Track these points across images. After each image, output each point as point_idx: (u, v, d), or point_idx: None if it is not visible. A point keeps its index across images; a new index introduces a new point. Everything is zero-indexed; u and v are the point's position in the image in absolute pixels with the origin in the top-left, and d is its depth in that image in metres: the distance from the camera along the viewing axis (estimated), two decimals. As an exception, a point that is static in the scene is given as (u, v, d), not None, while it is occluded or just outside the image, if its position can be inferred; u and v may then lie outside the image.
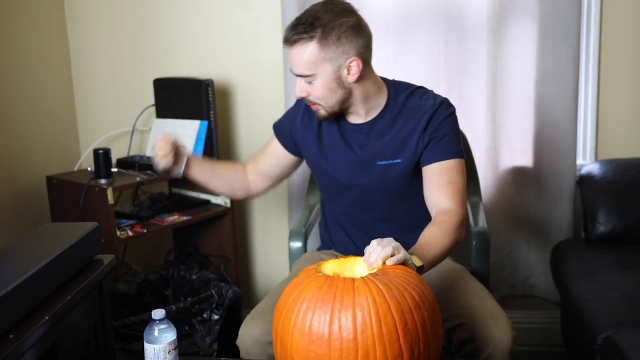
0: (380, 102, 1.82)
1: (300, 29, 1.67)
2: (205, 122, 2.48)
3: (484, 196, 2.54)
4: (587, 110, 2.61)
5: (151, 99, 2.64)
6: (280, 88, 2.65)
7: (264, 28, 2.67)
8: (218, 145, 2.54)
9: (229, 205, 2.59)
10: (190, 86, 2.50)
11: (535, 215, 2.61)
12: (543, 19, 2.47)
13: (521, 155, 2.61)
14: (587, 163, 2.59)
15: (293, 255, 2.13)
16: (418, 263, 1.50)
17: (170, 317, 1.65)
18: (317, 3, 1.74)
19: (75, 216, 2.32)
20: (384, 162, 1.82)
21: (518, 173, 2.62)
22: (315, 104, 1.77)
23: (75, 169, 2.67)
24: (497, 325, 1.62)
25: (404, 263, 1.45)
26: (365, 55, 1.73)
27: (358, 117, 1.85)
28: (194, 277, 2.30)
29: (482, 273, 1.98)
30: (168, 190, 2.76)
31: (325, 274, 1.47)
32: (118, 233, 2.27)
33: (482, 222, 2.10)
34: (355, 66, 1.71)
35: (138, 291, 2.29)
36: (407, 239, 1.65)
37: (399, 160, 1.81)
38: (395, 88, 1.86)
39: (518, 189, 2.62)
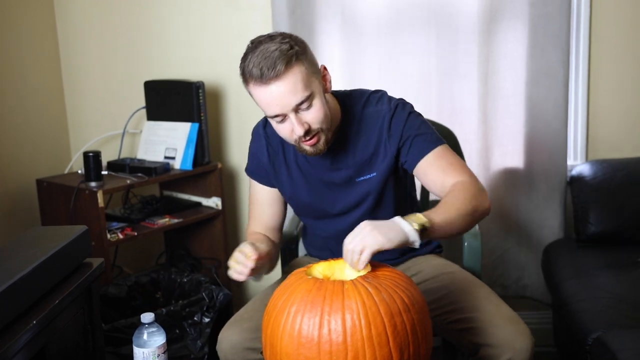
0: (338, 115, 1.70)
1: (283, 53, 1.50)
2: (196, 124, 2.47)
3: (476, 197, 2.54)
4: (577, 111, 2.62)
5: (142, 101, 2.63)
6: (271, 90, 2.64)
7: (255, 28, 2.65)
8: (209, 147, 2.54)
9: (220, 207, 2.59)
10: (181, 88, 2.50)
11: (526, 216, 2.62)
12: (533, 21, 2.48)
13: (512, 156, 2.62)
14: (577, 164, 2.59)
15: (284, 258, 2.12)
16: (418, 222, 1.40)
17: (160, 320, 1.66)
18: (259, 45, 1.55)
19: (65, 219, 2.31)
20: (361, 178, 1.74)
21: (509, 174, 2.63)
22: (315, 134, 1.60)
23: (66, 171, 2.66)
24: (517, 332, 1.59)
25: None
26: None
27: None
28: (185, 280, 2.29)
29: (474, 274, 1.97)
30: (159, 193, 2.75)
31: (314, 276, 1.47)
32: (109, 236, 2.26)
33: (473, 224, 2.10)
34: (327, 73, 1.64)
35: (129, 294, 2.28)
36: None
37: (374, 174, 1.73)
38: (349, 100, 1.73)
39: (509, 190, 2.63)
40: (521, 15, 2.50)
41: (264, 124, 1.81)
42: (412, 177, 1.80)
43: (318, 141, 1.61)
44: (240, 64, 1.56)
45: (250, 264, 1.56)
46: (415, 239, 1.41)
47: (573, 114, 2.61)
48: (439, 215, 1.46)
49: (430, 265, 1.85)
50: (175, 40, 2.72)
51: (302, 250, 2.23)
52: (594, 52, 2.56)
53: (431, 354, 1.42)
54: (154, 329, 1.59)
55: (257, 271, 1.62)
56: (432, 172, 1.65)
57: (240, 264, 1.58)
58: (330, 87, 1.65)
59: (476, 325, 1.63)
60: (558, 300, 2.18)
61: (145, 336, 1.58)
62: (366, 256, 1.38)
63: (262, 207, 1.85)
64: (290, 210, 2.45)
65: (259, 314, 1.42)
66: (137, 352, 1.58)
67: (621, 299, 2.00)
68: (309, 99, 1.54)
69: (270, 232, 1.86)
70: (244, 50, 1.59)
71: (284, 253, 2.12)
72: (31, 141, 2.58)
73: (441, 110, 2.60)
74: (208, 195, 2.61)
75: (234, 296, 2.51)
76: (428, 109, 2.58)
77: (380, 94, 1.75)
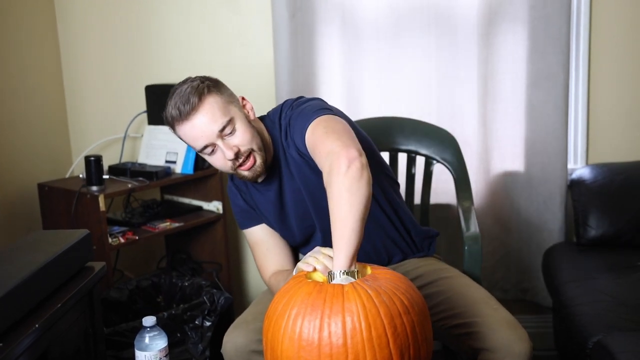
0: (268, 139, 1.74)
1: (193, 92, 1.60)
2: (197, 129, 2.47)
3: (476, 201, 2.55)
4: (577, 115, 2.62)
5: (143, 106, 2.64)
6: (271, 92, 2.65)
7: (255, 32, 2.68)
8: (210, 151, 2.54)
9: (221, 211, 2.59)
10: (181, 93, 2.50)
11: (526, 220, 2.62)
12: (533, 23, 2.49)
13: (512, 159, 2.62)
14: (578, 167, 2.60)
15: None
16: (344, 279, 1.38)
17: (162, 324, 1.66)
18: (174, 91, 1.65)
19: (66, 223, 2.31)
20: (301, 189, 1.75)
21: (509, 177, 2.63)
22: (249, 153, 1.65)
23: (67, 176, 2.66)
24: (515, 335, 1.61)
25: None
26: None
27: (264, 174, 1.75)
28: (186, 284, 2.30)
29: (474, 277, 1.98)
30: (160, 197, 2.76)
31: (315, 280, 1.47)
32: (110, 240, 2.26)
33: (474, 227, 2.10)
34: (247, 103, 1.73)
35: (130, 298, 2.28)
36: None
37: (301, 185, 1.73)
38: (269, 118, 1.78)
39: (509, 194, 2.63)
40: (521, 18, 2.51)
41: (231, 176, 1.86)
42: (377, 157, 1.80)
43: (254, 163, 1.67)
44: (164, 115, 1.66)
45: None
46: (354, 277, 1.39)
47: (573, 117, 2.62)
48: (342, 252, 1.39)
49: (430, 270, 1.86)
50: (175, 45, 2.73)
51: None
52: (594, 55, 2.57)
53: (432, 357, 1.43)
54: (155, 333, 1.59)
55: None
56: (312, 150, 1.57)
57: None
58: (253, 115, 1.71)
59: (475, 330, 1.64)
60: (558, 303, 2.18)
61: (146, 340, 1.59)
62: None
63: (266, 244, 1.85)
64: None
65: (263, 316, 1.43)
66: (139, 355, 1.59)
67: (621, 302, 2.00)
68: (230, 123, 1.62)
69: (288, 264, 1.83)
70: (244, 55, 1.66)
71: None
72: (32, 145, 2.58)
73: (441, 114, 2.61)
74: (209, 200, 2.61)
75: (235, 300, 2.51)
76: (428, 113, 2.59)
77: (289, 101, 1.75)
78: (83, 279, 1.62)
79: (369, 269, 1.48)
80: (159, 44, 2.74)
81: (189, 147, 2.42)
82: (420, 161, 2.40)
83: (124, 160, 2.67)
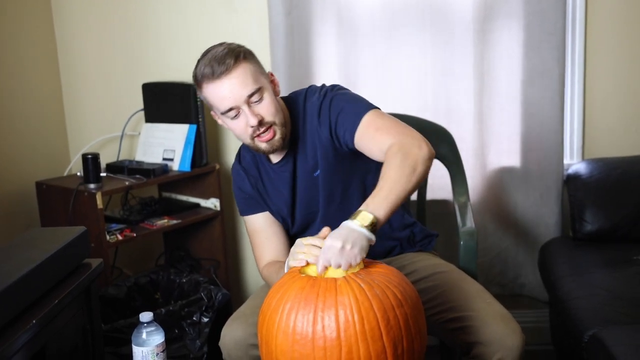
0: (288, 119, 1.76)
1: (230, 54, 1.63)
2: (194, 126, 2.49)
3: (472, 197, 2.55)
4: (573, 110, 2.63)
5: (140, 104, 2.65)
6: (268, 91, 2.66)
7: (251, 30, 2.68)
8: (207, 149, 2.56)
9: (218, 208, 2.60)
10: (178, 90, 2.52)
11: (523, 215, 2.63)
12: (528, 19, 2.49)
13: (508, 155, 2.63)
14: (574, 162, 2.61)
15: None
16: (368, 221, 1.41)
17: (159, 320, 1.67)
18: (208, 52, 1.69)
19: (64, 221, 2.32)
20: (317, 173, 1.78)
21: (506, 173, 2.64)
22: (271, 126, 1.67)
23: (65, 174, 2.68)
24: (508, 329, 1.61)
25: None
26: None
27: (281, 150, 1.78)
28: (184, 281, 2.31)
29: (470, 273, 1.98)
30: (158, 194, 2.77)
31: (308, 274, 1.48)
32: (108, 237, 2.27)
33: (470, 222, 2.11)
34: (275, 78, 1.75)
35: (128, 295, 2.29)
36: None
37: (319, 170, 1.76)
38: (290, 100, 1.80)
39: (506, 189, 2.64)
40: (516, 14, 2.51)
41: (238, 159, 1.89)
42: None
43: (273, 136, 1.69)
44: (193, 72, 1.69)
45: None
46: (373, 238, 1.43)
47: (569, 112, 2.63)
48: (382, 200, 1.45)
49: (425, 265, 1.87)
50: (172, 43, 2.74)
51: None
52: (590, 50, 2.57)
53: (427, 352, 1.44)
54: (152, 328, 1.61)
55: None
56: (366, 143, 1.64)
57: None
58: (279, 92, 1.74)
59: (468, 324, 1.65)
60: (555, 298, 2.19)
61: (144, 335, 1.60)
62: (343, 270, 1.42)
63: (265, 233, 1.86)
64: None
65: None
66: (136, 351, 1.60)
67: (617, 296, 2.01)
68: (259, 91, 1.65)
69: (283, 255, 1.84)
70: None
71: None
72: (30, 144, 2.60)
73: (437, 110, 2.61)
74: (206, 197, 2.62)
75: (233, 296, 2.52)
76: (424, 109, 2.60)
77: (316, 87, 1.79)
78: (80, 275, 1.63)
79: (361, 263, 1.49)
80: (156, 42, 2.75)
81: (188, 141, 2.46)
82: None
83: (121, 158, 2.68)
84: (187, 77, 2.62)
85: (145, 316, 1.61)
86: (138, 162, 2.53)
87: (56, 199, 2.37)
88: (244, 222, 1.94)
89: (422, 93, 2.62)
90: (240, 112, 1.65)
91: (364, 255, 1.43)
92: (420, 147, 1.53)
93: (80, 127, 2.83)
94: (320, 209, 1.81)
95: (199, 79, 1.67)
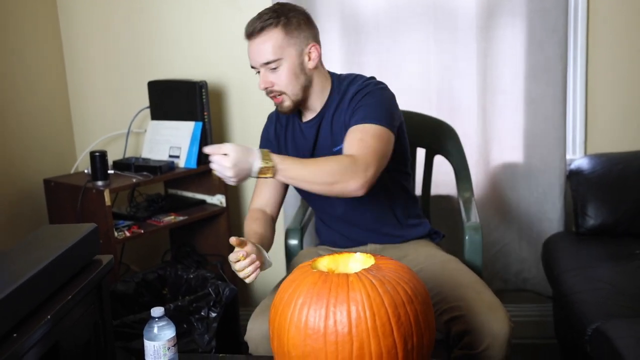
0: (327, 92, 1.90)
1: (265, 18, 1.79)
2: (200, 123, 2.51)
3: (476, 192, 2.57)
4: (575, 106, 2.65)
5: (146, 101, 2.67)
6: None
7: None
8: (213, 145, 2.57)
9: (224, 204, 2.62)
10: (184, 88, 2.53)
11: (526, 210, 2.65)
12: (530, 16, 2.51)
13: (511, 151, 2.65)
14: (576, 158, 2.63)
15: (290, 253, 2.16)
16: (267, 164, 1.62)
17: (168, 315, 1.68)
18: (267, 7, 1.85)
19: (73, 218, 2.34)
20: (337, 148, 1.87)
21: (509, 169, 2.66)
22: (280, 94, 1.84)
23: (72, 171, 2.69)
24: (494, 317, 1.66)
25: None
26: (320, 43, 1.87)
27: (312, 112, 1.92)
28: (191, 276, 2.33)
29: (475, 267, 2.01)
30: (164, 191, 2.78)
31: (320, 270, 1.50)
32: (116, 234, 2.29)
33: (475, 217, 2.14)
34: (315, 52, 1.84)
35: (136, 291, 2.31)
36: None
37: (341, 146, 1.83)
38: (340, 78, 1.93)
39: (509, 185, 2.66)
40: (518, 11, 2.53)
41: (276, 109, 1.99)
42: (400, 136, 1.91)
43: (281, 102, 1.86)
44: None
45: (252, 267, 1.73)
46: (254, 175, 1.64)
47: (571, 108, 2.64)
48: (294, 167, 1.66)
49: (424, 254, 1.93)
50: (178, 41, 2.76)
51: (306, 244, 2.27)
52: (592, 46, 2.59)
53: (434, 346, 1.46)
54: (163, 323, 1.62)
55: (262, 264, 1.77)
56: (348, 139, 1.76)
57: (244, 270, 1.73)
58: (314, 65, 1.84)
59: (458, 314, 1.69)
60: (558, 292, 2.22)
61: (155, 330, 1.61)
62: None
63: (265, 184, 2.00)
64: (292, 204, 2.49)
65: None
66: (148, 345, 1.61)
67: (620, 290, 2.03)
68: (276, 62, 1.79)
69: (270, 208, 2.01)
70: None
71: (290, 247, 2.17)
72: (37, 142, 2.61)
73: (441, 107, 2.63)
74: (212, 193, 2.64)
75: (240, 291, 2.54)
76: (428, 106, 2.62)
77: (364, 76, 1.91)
78: (92, 271, 1.65)
79: (373, 259, 1.51)
80: (162, 40, 2.76)
81: (194, 138, 2.48)
82: (420, 153, 2.43)
83: (127, 155, 2.70)
84: (192, 74, 2.66)
85: (157, 311, 1.63)
86: (144, 159, 2.55)
87: (64, 196, 2.39)
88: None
89: (426, 90, 2.64)
90: (260, 72, 1.83)
91: (238, 179, 1.63)
92: (355, 182, 1.66)
93: (87, 125, 2.84)
94: None
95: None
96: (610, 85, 2.61)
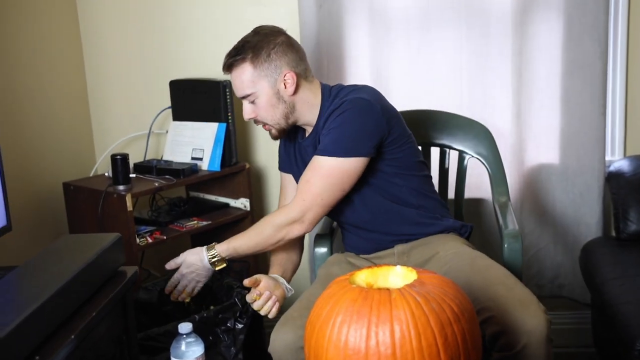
0: (318, 108, 1.91)
1: (232, 53, 1.85)
2: (224, 125, 2.42)
3: (510, 194, 2.47)
4: (615, 105, 2.55)
5: (167, 101, 2.58)
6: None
7: (281, 23, 2.55)
8: (237, 148, 2.49)
9: (248, 208, 2.54)
10: (207, 87, 2.45)
11: (562, 214, 2.55)
12: (568, 11, 2.41)
13: (547, 151, 2.55)
14: (615, 159, 2.52)
15: (318, 261, 2.08)
16: (211, 257, 1.90)
17: (193, 327, 1.61)
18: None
19: (93, 223, 2.27)
20: None
21: (544, 170, 2.56)
22: (264, 123, 1.91)
23: (91, 174, 2.62)
24: (527, 313, 1.57)
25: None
26: (298, 68, 1.86)
27: (310, 127, 1.94)
28: (216, 284, 2.24)
29: (516, 276, 1.91)
30: (185, 194, 2.71)
31: (358, 284, 1.42)
32: (138, 240, 2.22)
33: (513, 224, 2.04)
34: (290, 79, 1.84)
35: (159, 299, 2.23)
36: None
37: None
38: (331, 91, 1.92)
39: (544, 186, 2.56)
40: (555, 6, 2.43)
41: None
42: (407, 145, 1.91)
43: (269, 130, 1.93)
44: None
45: (270, 302, 1.87)
46: (214, 268, 1.92)
47: (610, 107, 2.54)
48: (239, 246, 1.89)
49: (450, 250, 1.87)
50: (200, 39, 2.67)
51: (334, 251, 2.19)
52: (633, 43, 2.48)
53: None
54: (191, 339, 1.55)
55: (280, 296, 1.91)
56: (304, 174, 1.86)
57: (264, 308, 1.88)
58: (292, 92, 1.85)
59: (489, 314, 1.60)
60: (601, 301, 2.11)
61: (183, 347, 1.54)
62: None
63: (285, 190, 2.09)
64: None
65: (309, 312, 1.39)
66: (175, 363, 1.54)
67: (668, 301, 1.93)
68: (252, 95, 1.86)
69: None
70: None
71: (318, 256, 2.09)
72: (55, 144, 2.54)
73: (473, 106, 2.53)
74: (236, 197, 2.56)
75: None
76: (459, 104, 2.52)
77: (349, 89, 1.89)
78: (116, 285, 1.57)
79: (415, 273, 1.42)
80: (184, 38, 2.68)
81: (217, 140, 2.41)
82: (453, 155, 2.34)
83: (148, 157, 2.61)
84: (215, 73, 2.56)
85: (185, 327, 1.55)
86: (166, 162, 2.47)
87: (84, 201, 2.32)
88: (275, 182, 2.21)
89: (457, 88, 2.54)
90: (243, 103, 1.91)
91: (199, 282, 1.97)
92: (298, 230, 1.85)
93: (106, 126, 2.77)
94: None
95: None
96: (651, 83, 2.50)
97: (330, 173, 1.80)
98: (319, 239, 2.11)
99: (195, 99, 2.48)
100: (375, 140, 1.81)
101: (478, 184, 2.53)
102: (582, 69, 2.42)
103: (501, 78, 2.51)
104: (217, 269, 1.92)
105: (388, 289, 1.33)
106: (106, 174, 2.40)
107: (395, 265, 1.50)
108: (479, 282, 1.69)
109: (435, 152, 2.34)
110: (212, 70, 2.61)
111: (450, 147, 2.32)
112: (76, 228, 2.38)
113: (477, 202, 2.57)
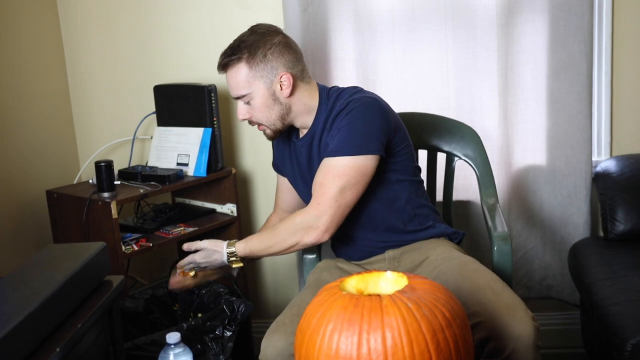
0: (315, 109, 1.90)
1: (228, 52, 1.82)
2: (209, 130, 2.39)
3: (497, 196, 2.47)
4: (600, 105, 2.54)
5: (151, 107, 2.55)
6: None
7: (266, 29, 2.58)
8: (222, 153, 2.46)
9: (235, 214, 2.51)
10: (192, 92, 2.42)
11: (550, 215, 2.55)
12: (553, 12, 2.40)
13: (534, 152, 2.54)
14: (602, 159, 2.52)
15: (307, 267, 2.06)
16: (230, 254, 1.89)
17: (181, 336, 1.58)
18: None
19: (78, 231, 2.23)
20: None
21: (531, 171, 2.55)
22: (259, 124, 1.89)
23: (75, 181, 2.58)
24: (514, 318, 1.56)
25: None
26: (295, 69, 1.85)
27: (305, 128, 1.94)
28: (203, 292, 2.21)
29: (505, 277, 1.90)
30: (171, 199, 2.68)
31: (348, 291, 1.40)
32: (123, 248, 2.19)
33: (502, 226, 2.03)
34: (286, 80, 1.83)
35: (146, 308, 2.20)
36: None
37: None
38: (330, 93, 1.91)
39: (531, 188, 2.56)
40: (540, 7, 2.42)
41: None
42: (407, 148, 1.92)
43: (264, 131, 1.92)
44: None
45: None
46: (227, 264, 1.92)
47: (596, 107, 2.54)
48: (255, 245, 1.87)
49: (440, 255, 1.86)
50: (185, 43, 2.65)
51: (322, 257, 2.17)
52: (617, 44, 2.48)
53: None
54: (180, 350, 1.53)
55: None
56: (316, 176, 1.82)
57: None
58: (288, 93, 1.84)
59: (477, 320, 1.59)
60: (590, 302, 2.11)
61: (171, 357, 1.52)
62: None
63: (281, 192, 2.13)
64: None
65: (299, 319, 1.37)
66: (163, 374, 1.52)
67: (657, 301, 1.93)
68: (247, 96, 1.84)
69: (286, 214, 2.09)
70: None
71: (306, 262, 2.07)
72: (38, 150, 2.50)
73: (460, 107, 2.52)
74: (222, 202, 2.53)
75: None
76: (446, 107, 2.51)
77: (356, 89, 1.89)
78: (102, 295, 1.55)
79: (405, 279, 1.41)
80: (168, 42, 2.65)
81: (203, 145, 2.38)
82: (441, 157, 2.33)
83: (133, 163, 2.58)
84: (200, 77, 2.55)
85: (173, 337, 1.53)
86: (151, 168, 2.43)
87: (68, 208, 2.28)
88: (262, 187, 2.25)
89: (444, 90, 2.53)
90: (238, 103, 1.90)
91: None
92: (313, 236, 1.79)
93: (90, 132, 2.73)
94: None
95: None
96: (637, 83, 2.51)
97: (343, 172, 1.77)
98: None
99: (180, 104, 2.46)
100: (384, 138, 1.80)
101: (466, 186, 2.52)
102: (568, 69, 2.42)
103: (488, 80, 2.49)
104: (234, 266, 1.92)
105: (379, 296, 1.32)
106: (90, 181, 2.36)
107: (385, 270, 1.48)
108: (468, 287, 1.68)
109: (422, 154, 2.33)
110: (197, 75, 2.59)
111: (438, 149, 2.31)
112: (60, 236, 2.34)
113: (465, 205, 2.56)
